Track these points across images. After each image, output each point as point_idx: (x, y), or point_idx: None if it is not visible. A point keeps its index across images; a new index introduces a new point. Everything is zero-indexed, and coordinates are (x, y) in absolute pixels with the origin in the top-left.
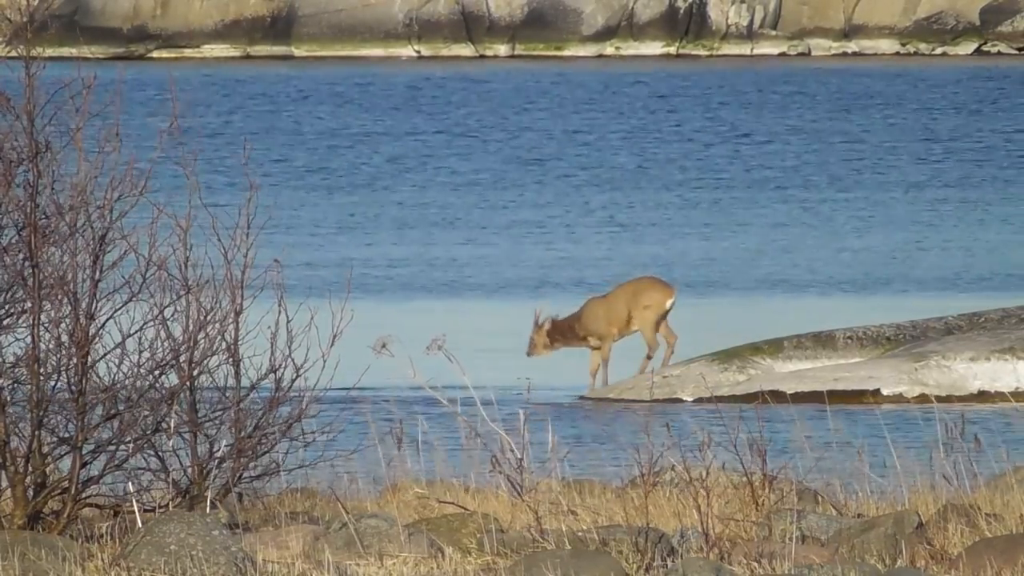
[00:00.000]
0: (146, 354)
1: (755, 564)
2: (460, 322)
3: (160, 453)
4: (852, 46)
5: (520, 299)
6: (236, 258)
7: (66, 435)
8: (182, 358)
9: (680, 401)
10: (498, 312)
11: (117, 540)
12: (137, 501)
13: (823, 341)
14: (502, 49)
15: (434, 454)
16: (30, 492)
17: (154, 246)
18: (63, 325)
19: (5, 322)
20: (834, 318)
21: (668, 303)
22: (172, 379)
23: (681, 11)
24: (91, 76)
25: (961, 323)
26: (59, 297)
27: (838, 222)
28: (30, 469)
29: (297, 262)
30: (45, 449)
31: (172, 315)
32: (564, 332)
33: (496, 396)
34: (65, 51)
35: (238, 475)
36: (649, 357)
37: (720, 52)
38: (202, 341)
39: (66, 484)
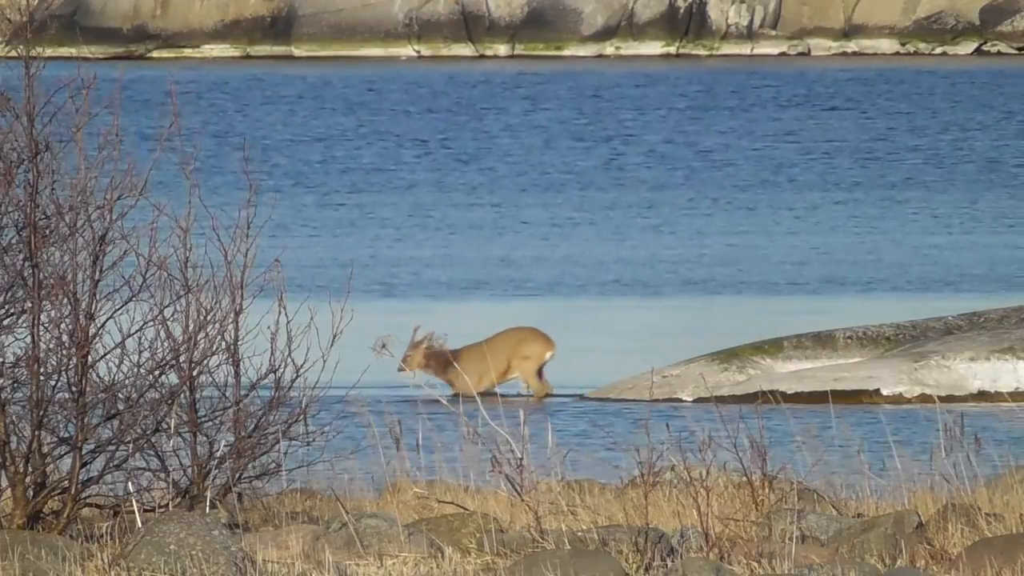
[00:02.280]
0: (146, 354)
1: (755, 564)
2: (460, 322)
3: (160, 453)
4: (852, 46)
5: (521, 299)
6: (236, 258)
7: (66, 435)
8: (182, 358)
9: (680, 401)
10: (498, 312)
11: (117, 540)
12: (137, 501)
13: (823, 341)
14: (502, 49)
15: (434, 454)
16: (30, 492)
17: (154, 246)
18: (63, 325)
19: (5, 322)
20: (834, 318)
21: (548, 355)
22: (172, 379)
23: (681, 11)
24: (91, 76)
25: (961, 323)
26: (59, 297)
27: (837, 222)
28: (30, 469)
29: (297, 262)
30: (45, 449)
31: (172, 315)
32: (438, 363)
33: (497, 395)
34: (65, 51)
35: (238, 475)
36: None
37: (720, 52)
38: (202, 341)
39: (66, 484)
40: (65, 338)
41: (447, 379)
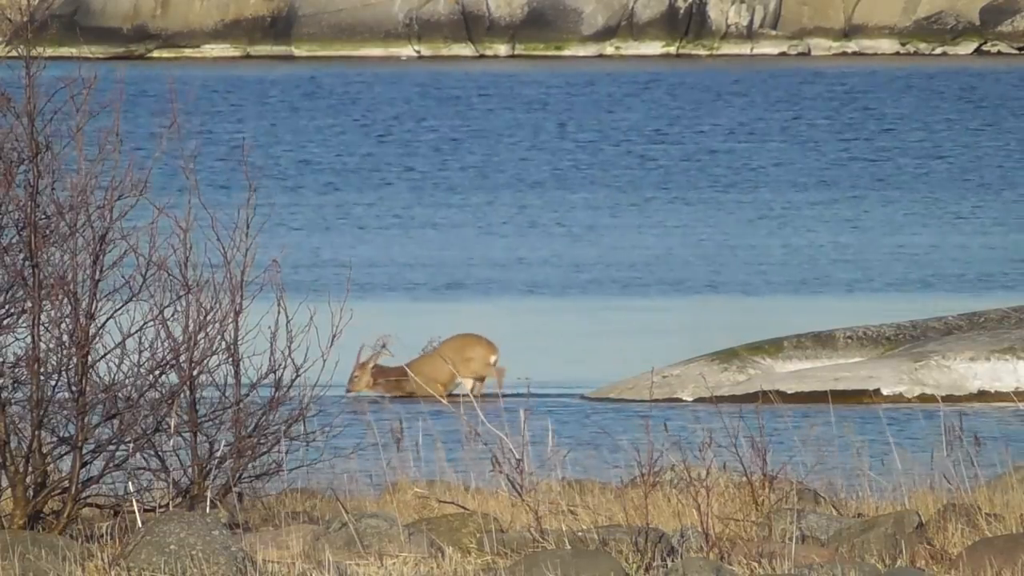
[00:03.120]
0: (146, 354)
1: (755, 564)
2: (460, 322)
3: (160, 453)
4: (852, 46)
5: (520, 299)
6: (236, 258)
7: (66, 435)
8: (182, 358)
9: (680, 401)
10: (498, 312)
11: (117, 540)
12: (137, 501)
13: (823, 341)
14: (502, 49)
15: (434, 454)
16: (30, 492)
17: (154, 246)
18: (63, 325)
19: (5, 322)
20: (834, 318)
21: (492, 359)
22: (172, 379)
23: (681, 11)
24: (92, 76)
25: (961, 323)
26: (59, 297)
27: (837, 222)
28: (30, 469)
29: (297, 262)
30: (45, 449)
31: (172, 315)
32: (388, 380)
33: (496, 395)
34: (65, 51)
35: (238, 475)
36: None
37: (720, 52)
38: (202, 341)
39: (66, 484)
40: (65, 338)
41: (403, 394)
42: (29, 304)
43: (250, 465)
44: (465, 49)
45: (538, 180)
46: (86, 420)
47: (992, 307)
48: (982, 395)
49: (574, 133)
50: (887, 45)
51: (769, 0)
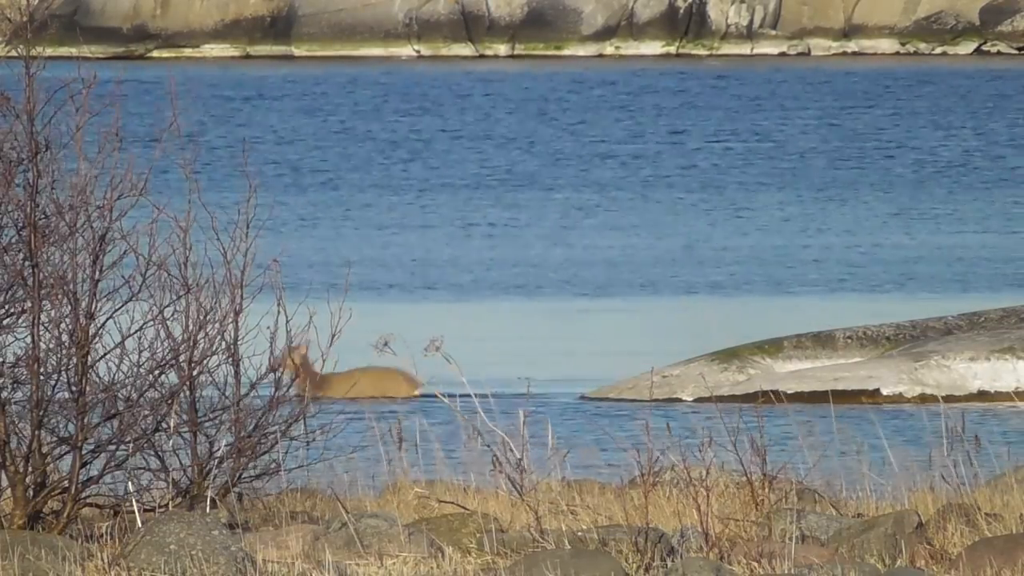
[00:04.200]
0: (146, 354)
1: (755, 564)
2: (460, 322)
3: (160, 453)
4: (852, 46)
5: (520, 299)
6: (236, 258)
7: (66, 435)
8: (182, 358)
9: (680, 401)
10: (498, 312)
11: (117, 540)
12: (137, 501)
13: (823, 341)
14: (502, 49)
15: (434, 454)
16: (30, 492)
17: (154, 246)
18: (63, 325)
19: (5, 322)
20: (834, 318)
21: (415, 393)
22: (172, 379)
23: (681, 11)
24: (92, 75)
25: (961, 323)
26: (59, 297)
27: (837, 222)
28: (30, 469)
29: (297, 262)
30: (45, 449)
31: (172, 315)
32: (304, 379)
33: (496, 396)
34: (65, 51)
35: (238, 475)
36: None
37: (720, 52)
38: (202, 341)
39: (66, 484)
40: (65, 338)
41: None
42: (29, 304)
43: (250, 465)
44: (465, 49)
45: (538, 181)
46: (86, 420)
47: (992, 307)
48: (982, 395)
49: (576, 133)
50: (887, 45)
51: (769, 0)
